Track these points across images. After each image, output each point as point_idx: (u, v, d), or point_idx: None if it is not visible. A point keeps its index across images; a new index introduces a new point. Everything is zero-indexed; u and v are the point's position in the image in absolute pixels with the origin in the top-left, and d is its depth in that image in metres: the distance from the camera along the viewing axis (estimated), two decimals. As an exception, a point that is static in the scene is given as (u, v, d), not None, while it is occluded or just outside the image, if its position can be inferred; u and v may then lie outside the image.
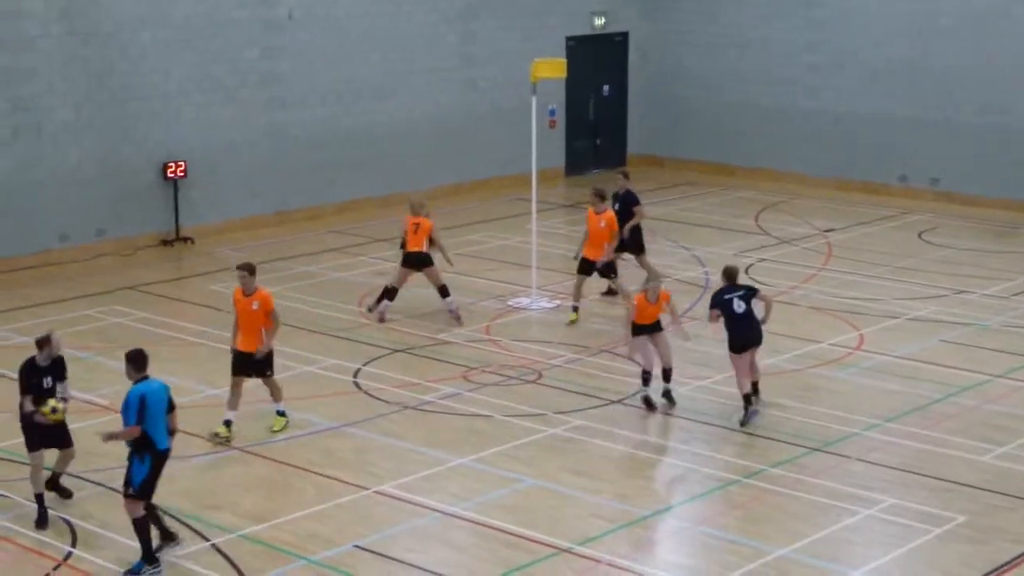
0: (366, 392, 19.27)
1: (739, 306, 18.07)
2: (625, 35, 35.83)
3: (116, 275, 25.49)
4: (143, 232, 27.61)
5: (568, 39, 34.18)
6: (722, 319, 18.19)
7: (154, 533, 14.11)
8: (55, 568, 14.04)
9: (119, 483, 15.83)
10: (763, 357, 19.98)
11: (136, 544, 14.25)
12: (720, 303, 18.17)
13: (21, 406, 15.03)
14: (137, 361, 14.08)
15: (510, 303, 23.38)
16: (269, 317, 17.58)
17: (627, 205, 23.54)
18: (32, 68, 25.92)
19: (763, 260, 26.28)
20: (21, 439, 15.33)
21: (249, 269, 17.79)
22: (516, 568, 14.08)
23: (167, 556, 14.09)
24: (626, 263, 24.01)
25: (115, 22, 26.90)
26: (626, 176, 24.24)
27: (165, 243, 27.73)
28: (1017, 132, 30.56)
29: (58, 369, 15.19)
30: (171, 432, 14.17)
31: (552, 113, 33.98)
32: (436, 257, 22.43)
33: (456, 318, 22.14)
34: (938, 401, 18.84)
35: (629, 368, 20.10)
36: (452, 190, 32.39)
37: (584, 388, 19.34)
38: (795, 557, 14.32)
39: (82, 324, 22.30)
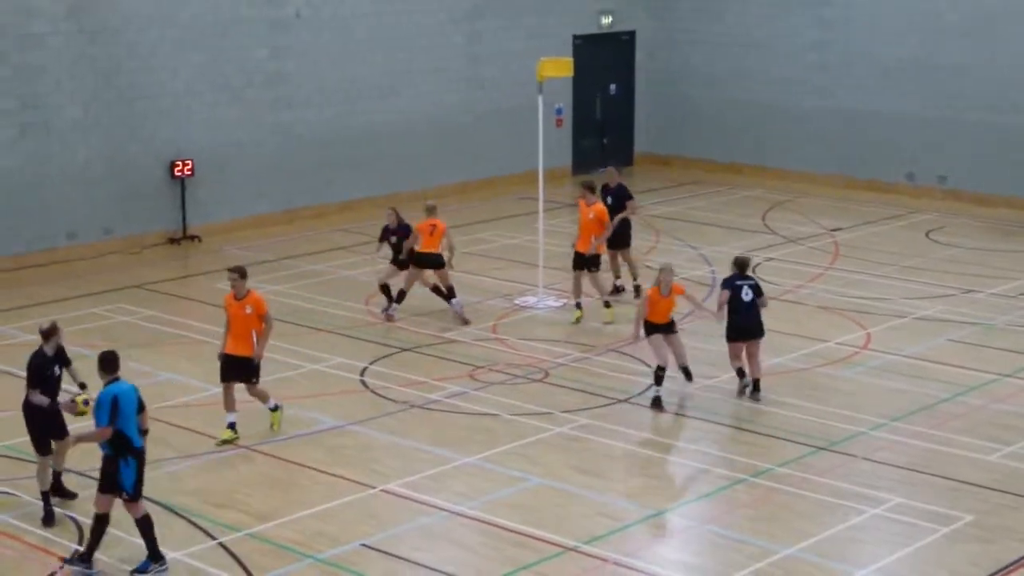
0: (372, 391, 19.27)
1: (747, 294, 18.66)
2: (632, 34, 35.82)
3: (123, 273, 25.51)
4: (150, 230, 27.63)
5: (575, 38, 34.17)
6: (726, 305, 18.72)
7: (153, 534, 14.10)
8: (61, 567, 14.04)
9: (126, 481, 15.92)
10: (770, 356, 20.08)
11: (143, 542, 14.29)
12: (732, 288, 18.71)
13: (28, 399, 14.97)
14: (109, 363, 14.00)
15: (517, 302, 23.38)
16: (262, 321, 17.34)
17: (620, 199, 23.57)
18: (40, 66, 25.95)
19: (770, 259, 26.26)
20: (25, 437, 15.31)
21: (240, 272, 17.46)
22: (522, 567, 14.07)
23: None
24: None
25: (123, 20, 26.93)
26: (617, 170, 24.42)
27: (172, 241, 27.75)
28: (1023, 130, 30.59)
29: (62, 357, 15.21)
30: (143, 432, 14.08)
31: (559, 112, 33.97)
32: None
33: (462, 319, 22.13)
34: (945, 400, 18.82)
35: (636, 367, 20.11)
36: (458, 189, 32.39)
37: (591, 387, 19.34)
38: (802, 556, 14.30)
39: (89, 322, 22.32)
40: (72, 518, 15.07)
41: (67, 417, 15.03)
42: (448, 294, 22.26)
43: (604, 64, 35.08)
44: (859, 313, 22.77)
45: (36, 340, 15.19)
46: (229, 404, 17.38)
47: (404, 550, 14.46)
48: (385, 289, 22.50)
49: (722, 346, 19.86)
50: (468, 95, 32.62)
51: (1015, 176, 30.79)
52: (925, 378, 19.68)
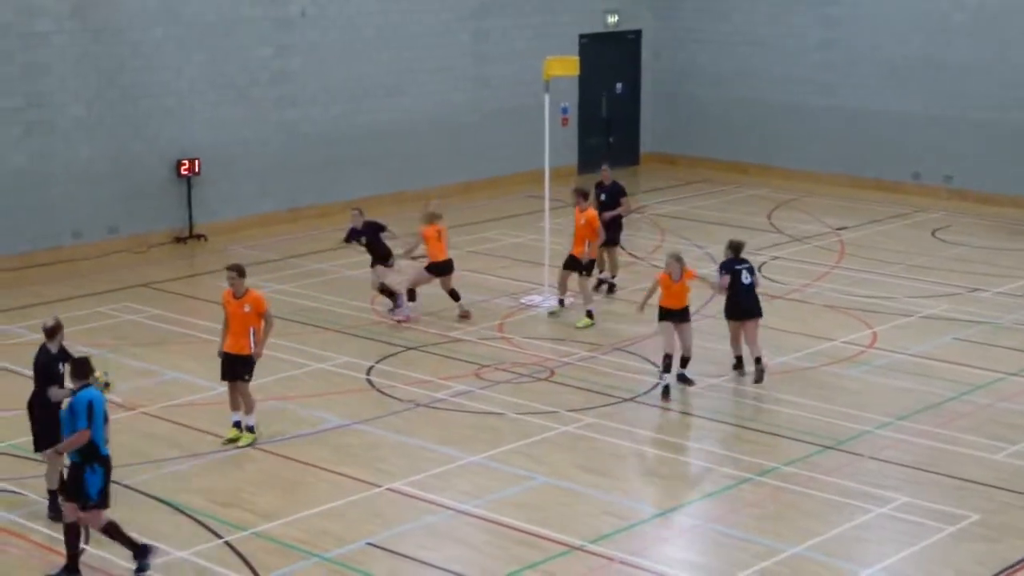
0: (378, 390, 19.27)
1: (746, 278, 19.38)
2: (638, 33, 35.80)
3: (129, 272, 25.52)
4: (156, 229, 27.64)
5: (581, 37, 34.16)
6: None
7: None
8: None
9: (133, 481, 15.98)
10: (776, 355, 20.14)
11: (149, 541, 14.29)
12: (731, 271, 19.36)
13: (42, 397, 14.91)
14: (82, 368, 13.95)
15: (522, 301, 23.37)
16: (261, 319, 17.18)
17: (614, 196, 23.60)
18: (45, 65, 25.96)
19: (776, 258, 26.25)
20: (29, 436, 15.30)
21: (238, 271, 17.34)
22: (528, 566, 14.06)
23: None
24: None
25: (127, 19, 26.94)
26: (609, 167, 24.53)
27: (178, 240, 27.76)
28: (1031, 130, 30.56)
29: (65, 354, 15.20)
30: (105, 442, 14.05)
31: (564, 111, 33.95)
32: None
33: (466, 316, 22.15)
34: (951, 399, 18.80)
35: (642, 366, 20.10)
36: (464, 188, 32.39)
37: (596, 386, 19.33)
38: (808, 555, 14.29)
39: (94, 321, 22.33)
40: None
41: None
42: (452, 297, 22.26)
43: (610, 63, 35.07)
44: (865, 312, 22.75)
45: (41, 339, 15.17)
46: (234, 403, 17.35)
47: (410, 549, 14.46)
48: (385, 291, 22.47)
49: (726, 346, 19.96)
50: (474, 94, 32.62)
51: (1021, 175, 30.75)
52: (931, 377, 19.66)
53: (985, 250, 27.02)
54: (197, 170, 27.76)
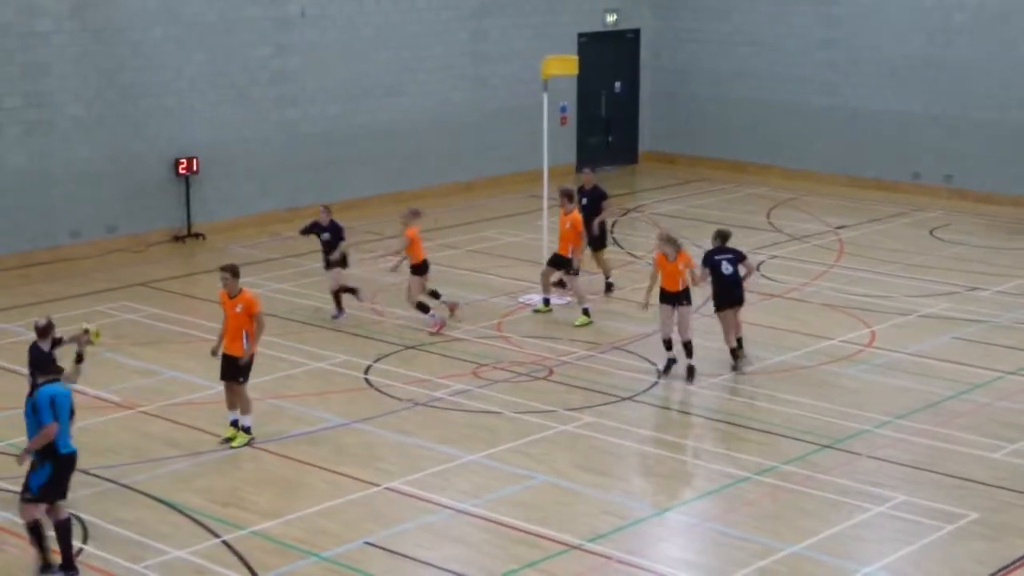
0: (377, 389, 19.27)
1: (727, 268, 19.75)
2: (637, 32, 35.80)
3: (127, 271, 25.52)
4: (155, 228, 27.65)
5: (580, 36, 34.18)
6: (709, 278, 19.81)
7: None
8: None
9: (131, 480, 15.98)
10: (774, 354, 20.21)
11: (147, 540, 14.31)
12: (711, 263, 19.77)
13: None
14: (45, 365, 13.87)
15: (521, 300, 23.36)
16: (252, 320, 17.07)
17: (595, 201, 23.60)
18: (45, 64, 25.97)
19: (775, 257, 26.25)
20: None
21: (231, 271, 17.27)
22: (526, 564, 14.06)
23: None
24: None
25: (127, 19, 26.95)
26: (592, 171, 24.52)
27: (177, 239, 27.77)
28: (1030, 129, 30.57)
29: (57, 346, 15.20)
30: (71, 438, 13.97)
31: (563, 110, 33.95)
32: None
33: (452, 308, 22.10)
34: (950, 398, 18.80)
35: (640, 365, 20.11)
36: (463, 187, 32.39)
37: (595, 385, 19.33)
38: (806, 554, 14.29)
39: (93, 320, 22.23)
40: (76, 516, 15.04)
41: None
42: (434, 295, 22.12)
43: (609, 62, 35.08)
44: (864, 311, 22.75)
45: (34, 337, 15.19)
46: (229, 402, 17.34)
47: (408, 548, 14.45)
48: (345, 290, 22.35)
49: (724, 345, 20.06)
50: (473, 93, 32.62)
51: (1020, 175, 30.76)
52: (930, 376, 19.66)
53: (984, 249, 27.02)
54: (195, 169, 27.77)
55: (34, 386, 14.85)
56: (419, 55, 31.37)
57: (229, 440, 17.17)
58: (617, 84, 35.69)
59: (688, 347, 19.53)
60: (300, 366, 20.11)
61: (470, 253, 26.54)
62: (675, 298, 19.50)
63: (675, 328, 19.59)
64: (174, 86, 27.70)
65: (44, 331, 15.07)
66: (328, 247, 22.39)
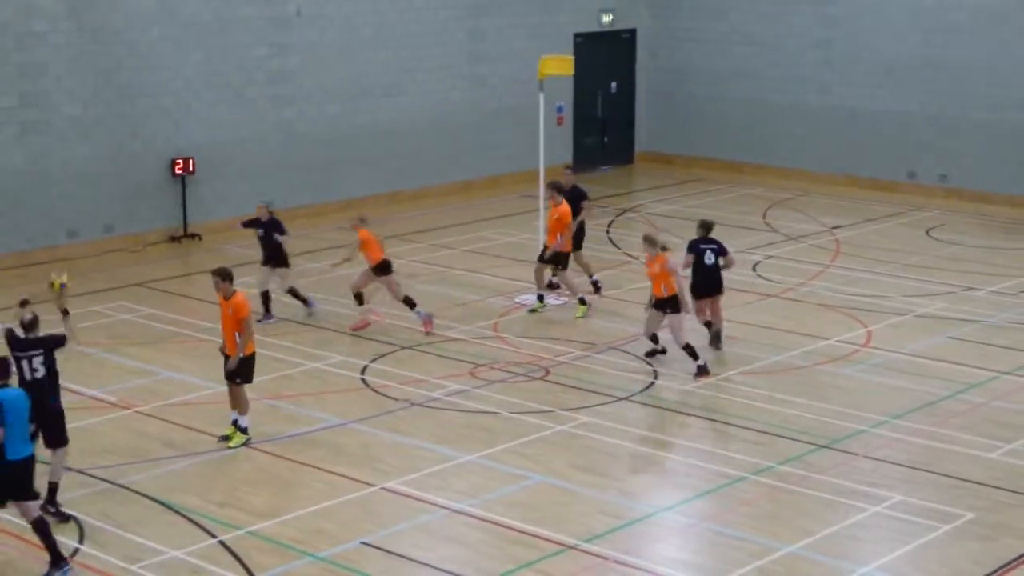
0: (373, 389, 19.27)
1: (710, 258, 20.48)
2: (633, 32, 35.81)
3: (124, 271, 25.52)
4: (151, 228, 27.65)
5: (576, 36, 34.18)
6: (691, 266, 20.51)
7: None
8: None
9: (127, 480, 15.99)
10: (771, 354, 20.29)
11: (143, 541, 14.31)
12: (696, 251, 20.48)
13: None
14: (2, 369, 13.87)
15: (517, 300, 23.36)
16: (240, 324, 16.99)
17: (575, 201, 23.59)
18: (42, 64, 25.96)
19: (771, 257, 26.26)
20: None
21: (221, 274, 17.23)
22: (523, 565, 14.07)
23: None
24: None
25: (124, 19, 26.94)
26: (571, 170, 24.49)
27: (173, 239, 27.76)
28: (1026, 129, 30.59)
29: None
30: (32, 437, 13.88)
31: (560, 110, 33.96)
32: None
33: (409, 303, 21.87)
34: (946, 398, 18.81)
35: (637, 365, 20.12)
36: (460, 187, 32.40)
37: (592, 385, 19.34)
38: (802, 554, 14.30)
39: (90, 320, 22.30)
40: (73, 517, 15.06)
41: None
42: (359, 301, 21.88)
43: (605, 62, 35.09)
44: (860, 311, 22.77)
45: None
46: (231, 402, 17.35)
47: (405, 548, 14.46)
48: (294, 294, 22.31)
49: (723, 345, 20.10)
50: (471, 93, 32.63)
51: (1016, 174, 30.78)
52: (926, 376, 19.68)
53: (980, 249, 27.04)
54: (192, 169, 27.77)
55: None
56: (417, 55, 31.38)
57: (227, 438, 17.17)
58: (613, 84, 35.70)
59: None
60: (297, 366, 20.11)
61: (467, 253, 26.55)
62: (661, 304, 19.65)
63: (661, 329, 20.00)
64: (171, 86, 27.70)
65: (29, 326, 15.10)
66: (264, 244, 22.22)
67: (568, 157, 34.33)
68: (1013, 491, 15.82)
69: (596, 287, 23.64)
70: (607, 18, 35.03)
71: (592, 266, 23.88)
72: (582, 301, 22.48)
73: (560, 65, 24.33)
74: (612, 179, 34.11)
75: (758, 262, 25.73)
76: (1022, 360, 20.31)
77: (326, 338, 21.42)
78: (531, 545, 14.48)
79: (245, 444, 17.10)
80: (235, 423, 17.27)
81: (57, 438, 15.02)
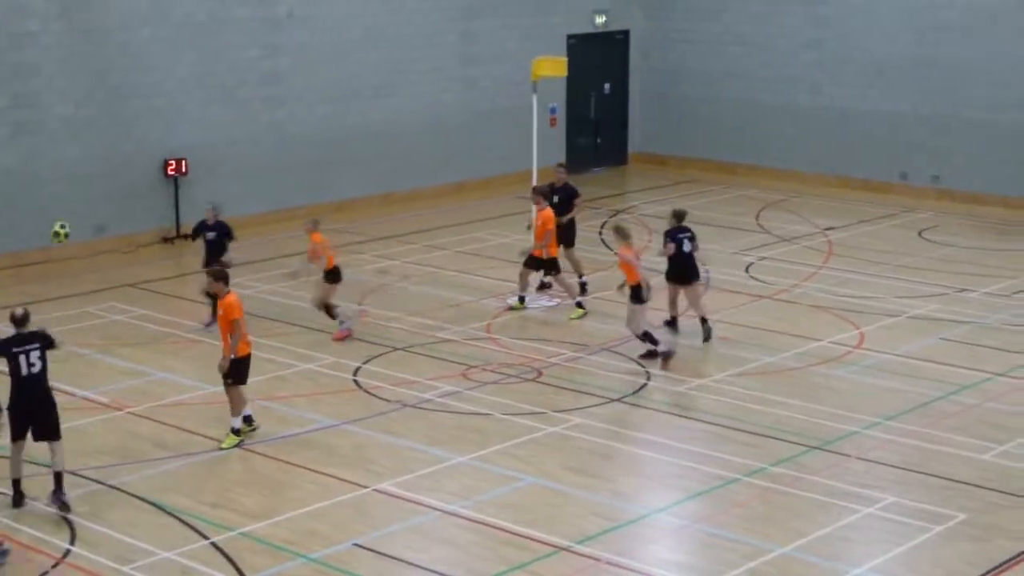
0: (366, 390, 19.25)
1: (687, 246, 21.20)
2: (626, 33, 35.82)
3: (117, 272, 25.48)
4: (144, 229, 27.61)
5: (569, 37, 34.18)
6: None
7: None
8: (54, 566, 14.01)
9: (119, 481, 15.96)
10: (763, 355, 20.35)
11: (135, 542, 14.30)
12: (675, 240, 21.15)
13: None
14: None
15: (509, 301, 23.34)
16: (231, 325, 16.93)
17: (567, 198, 23.61)
18: (33, 64, 25.93)
19: (763, 258, 26.27)
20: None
21: (214, 275, 17.26)
22: (515, 566, 14.05)
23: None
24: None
25: (116, 19, 26.91)
26: (565, 168, 24.47)
27: (165, 240, 27.73)
28: (1019, 129, 30.52)
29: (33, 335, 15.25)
30: None
31: (553, 111, 33.96)
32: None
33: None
34: (939, 399, 18.82)
35: (629, 366, 20.12)
36: (453, 188, 32.38)
37: (584, 386, 19.33)
38: (795, 555, 14.30)
39: (82, 321, 22.29)
40: (65, 518, 15.04)
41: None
42: (331, 312, 21.64)
43: (599, 63, 35.09)
44: (852, 312, 22.77)
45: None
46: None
47: (397, 550, 14.44)
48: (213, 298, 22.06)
49: (715, 347, 20.13)
50: (463, 95, 32.61)
51: (1008, 175, 30.81)
52: (918, 377, 19.68)
53: (972, 250, 27.06)
54: (184, 170, 27.74)
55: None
56: (409, 56, 31.36)
57: (250, 428, 17.34)
58: (606, 85, 35.70)
59: (646, 338, 20.13)
60: (289, 367, 20.09)
61: (460, 254, 26.54)
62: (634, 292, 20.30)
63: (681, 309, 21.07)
64: (163, 87, 27.67)
65: (20, 321, 15.14)
66: (212, 247, 21.95)
67: (561, 158, 34.29)
68: (1005, 492, 15.83)
69: (583, 288, 23.61)
70: (600, 19, 35.03)
71: (583, 265, 23.86)
72: (579, 305, 22.49)
73: (554, 67, 24.32)
74: (605, 180, 34.10)
75: (751, 263, 25.73)
76: (1015, 361, 20.32)
77: (318, 339, 21.39)
78: (523, 547, 14.47)
79: (237, 445, 17.08)
80: (248, 419, 17.39)
81: (54, 430, 15.20)
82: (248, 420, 17.47)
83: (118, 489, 15.82)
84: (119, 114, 27.11)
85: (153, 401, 18.69)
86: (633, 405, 18.71)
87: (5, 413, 15.15)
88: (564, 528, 14.88)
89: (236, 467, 16.63)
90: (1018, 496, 15.71)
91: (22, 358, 14.98)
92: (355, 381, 19.61)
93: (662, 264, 21.79)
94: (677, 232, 21.25)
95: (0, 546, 13.76)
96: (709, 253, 26.26)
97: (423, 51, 31.59)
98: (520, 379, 19.68)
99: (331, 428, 17.83)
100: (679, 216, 21.54)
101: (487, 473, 16.41)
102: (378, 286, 24.29)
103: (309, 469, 16.48)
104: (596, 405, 18.62)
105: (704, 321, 21.06)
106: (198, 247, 22.11)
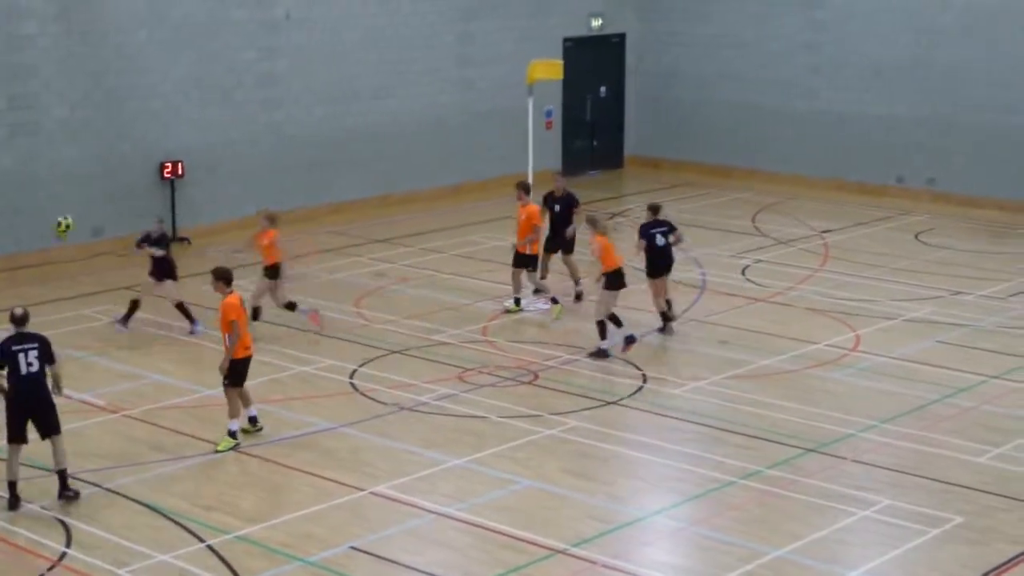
0: (362, 393, 19.25)
1: (660, 240, 21.55)
2: (622, 36, 35.83)
3: (113, 274, 25.45)
4: (140, 231, 27.51)
5: (565, 40, 34.19)
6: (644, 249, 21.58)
7: None
8: (50, 568, 14.01)
9: (115, 483, 15.96)
10: (759, 358, 20.36)
11: (131, 545, 14.31)
12: (647, 236, 21.53)
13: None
14: None
15: (505, 304, 23.33)
16: (227, 327, 16.95)
17: (568, 207, 23.60)
18: (30, 66, 25.92)
19: (760, 261, 26.28)
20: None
21: (215, 274, 17.27)
22: (512, 569, 14.06)
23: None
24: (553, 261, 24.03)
25: (113, 21, 26.90)
26: (563, 177, 24.57)
27: (163, 242, 27.71)
28: (1015, 132, 30.55)
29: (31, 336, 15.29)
30: None
31: (548, 114, 33.96)
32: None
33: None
34: (935, 402, 18.83)
35: (625, 369, 20.12)
36: (449, 191, 32.38)
37: (580, 389, 19.33)
38: (791, 558, 14.30)
39: (79, 323, 22.28)
40: (61, 520, 15.04)
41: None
42: (255, 315, 21.65)
43: (594, 66, 35.10)
44: (848, 315, 22.79)
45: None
46: (245, 400, 17.40)
47: (393, 552, 14.44)
48: (181, 309, 21.90)
49: (710, 349, 20.27)
50: (460, 97, 32.62)
51: (1004, 178, 30.83)
52: (914, 380, 19.70)
53: (968, 253, 27.08)
54: (180, 172, 27.73)
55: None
56: (406, 58, 31.37)
57: (254, 428, 17.38)
58: (602, 88, 35.71)
59: (600, 327, 20.56)
60: (285, 370, 20.09)
61: (455, 257, 26.54)
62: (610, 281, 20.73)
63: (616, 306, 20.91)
64: (160, 89, 27.66)
65: (20, 320, 15.18)
66: (159, 262, 21.89)
67: (557, 161, 34.35)
68: (1002, 495, 15.83)
69: (578, 296, 23.53)
70: (596, 23, 35.05)
71: (580, 271, 23.84)
72: (554, 300, 22.58)
73: (550, 69, 24.33)
74: (601, 183, 34.10)
75: (747, 266, 25.75)
76: (1011, 364, 20.34)
77: (315, 342, 21.38)
78: (520, 549, 14.47)
79: (233, 448, 17.08)
80: (253, 419, 17.44)
81: (54, 426, 15.31)
82: (253, 421, 17.48)
83: (114, 492, 15.82)
84: (116, 116, 27.10)
85: (149, 404, 18.68)
86: (629, 408, 18.72)
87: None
88: (560, 531, 14.89)
89: (232, 470, 16.63)
90: (1015, 499, 15.73)
91: (21, 357, 15.04)
92: (351, 384, 19.61)
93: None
94: (651, 227, 21.63)
95: None
96: (705, 256, 26.38)
97: (420, 53, 31.61)
98: (516, 382, 19.69)
99: (327, 431, 17.83)
100: (654, 210, 21.92)
101: (483, 476, 16.42)
102: (375, 289, 24.28)
103: (305, 472, 16.48)
104: (592, 408, 18.62)
105: (665, 316, 21.48)
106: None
